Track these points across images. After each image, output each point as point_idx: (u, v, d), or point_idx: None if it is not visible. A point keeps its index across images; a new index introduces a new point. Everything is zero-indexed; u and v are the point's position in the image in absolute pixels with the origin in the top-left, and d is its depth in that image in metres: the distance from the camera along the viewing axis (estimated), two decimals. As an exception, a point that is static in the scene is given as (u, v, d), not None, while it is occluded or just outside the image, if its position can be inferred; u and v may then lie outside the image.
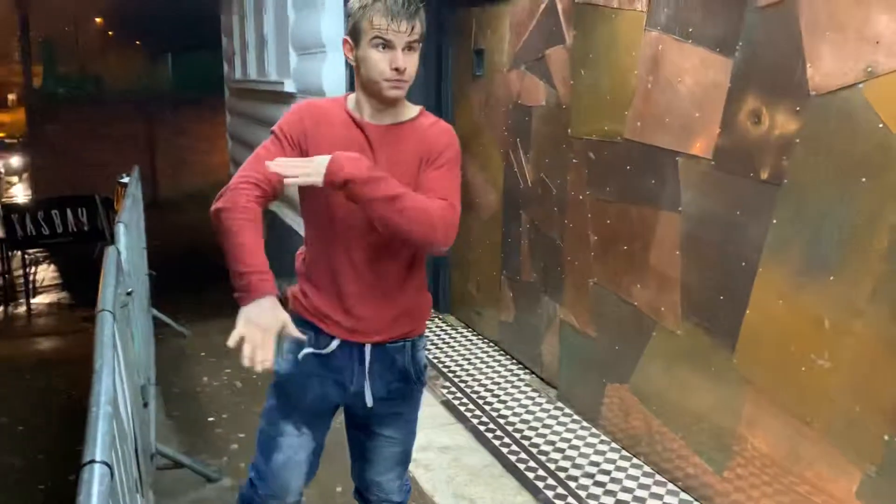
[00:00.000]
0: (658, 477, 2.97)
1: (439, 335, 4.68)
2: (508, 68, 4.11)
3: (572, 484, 2.93)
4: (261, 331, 1.52)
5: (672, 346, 2.87)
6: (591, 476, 2.99)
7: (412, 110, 1.78)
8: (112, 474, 0.98)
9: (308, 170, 1.57)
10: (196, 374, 4.08)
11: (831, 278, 2.21)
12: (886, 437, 2.07)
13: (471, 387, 3.88)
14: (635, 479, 2.96)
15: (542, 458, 3.13)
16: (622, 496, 2.84)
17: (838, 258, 2.19)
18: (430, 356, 4.31)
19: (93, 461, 0.97)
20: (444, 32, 4.76)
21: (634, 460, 3.10)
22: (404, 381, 1.85)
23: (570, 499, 2.84)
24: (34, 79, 18.48)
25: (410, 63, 1.66)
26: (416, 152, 1.72)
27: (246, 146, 7.58)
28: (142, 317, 3.34)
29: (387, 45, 1.63)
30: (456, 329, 4.80)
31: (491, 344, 4.49)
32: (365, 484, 1.98)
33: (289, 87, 5.45)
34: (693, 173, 2.72)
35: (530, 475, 3.00)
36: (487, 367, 4.16)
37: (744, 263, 2.51)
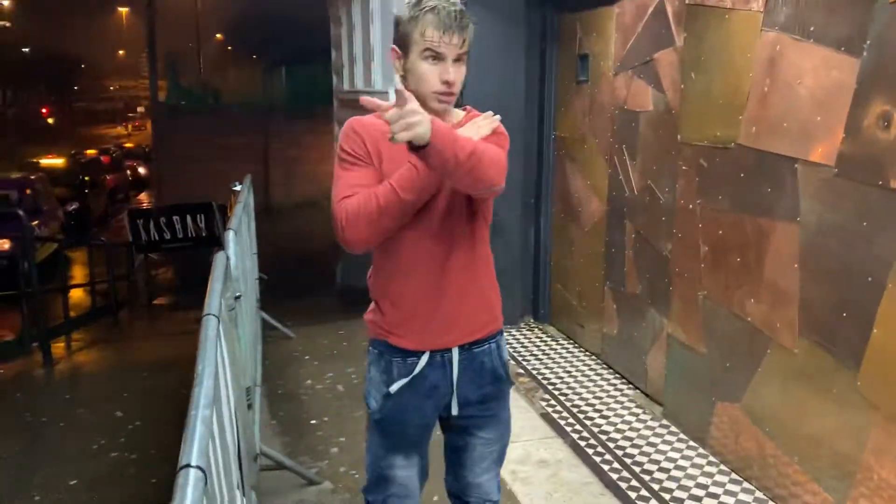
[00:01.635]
0: (771, 503, 2.79)
1: (539, 346, 4.61)
2: (615, 73, 4.00)
3: (677, 506, 2.80)
4: None
5: (788, 366, 2.69)
6: (699, 499, 2.85)
7: (457, 115, 1.78)
8: (206, 479, 0.99)
9: (415, 119, 1.42)
10: (300, 377, 4.19)
11: (974, 296, 2.01)
12: None
13: (571, 400, 3.79)
14: (746, 504, 2.80)
15: (646, 477, 3.01)
16: None
17: (982, 274, 1.99)
18: (531, 367, 4.25)
19: (188, 465, 0.98)
20: (547, 37, 4.70)
21: (745, 484, 2.92)
22: (496, 382, 1.84)
23: (674, 522, 2.72)
24: (159, 92, 19.65)
25: (459, 75, 1.65)
26: None
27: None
28: (250, 319, 3.45)
29: (437, 57, 1.61)
30: (556, 340, 4.71)
31: (593, 357, 4.38)
32: (463, 487, 1.94)
33: (393, 96, 5.53)
34: (813, 181, 2.54)
35: (632, 495, 2.89)
36: (589, 380, 4.05)
37: (870, 278, 2.32)
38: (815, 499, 2.60)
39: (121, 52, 44.96)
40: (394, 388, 1.75)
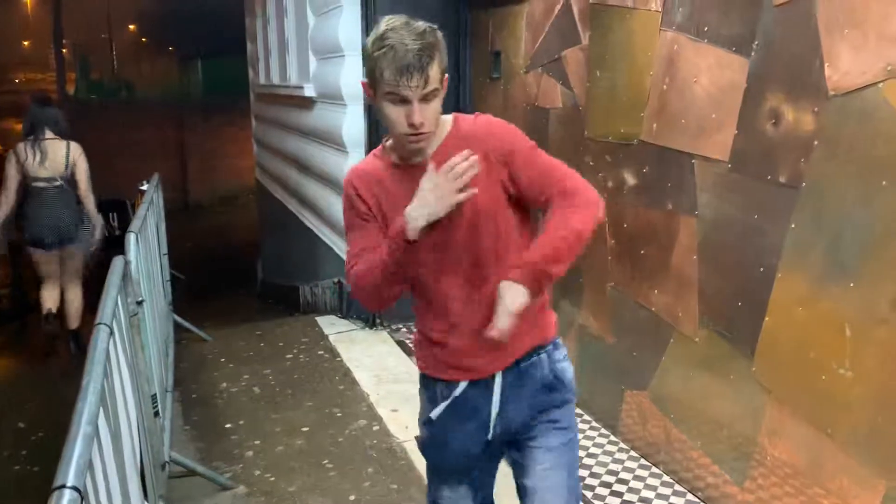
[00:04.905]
0: (677, 487, 2.90)
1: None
2: (526, 70, 4.05)
3: (588, 493, 2.88)
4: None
5: (690, 353, 2.80)
6: (609, 485, 2.93)
7: (446, 123, 1.66)
8: (83, 499, 0.96)
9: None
10: (215, 380, 4.10)
11: (852, 284, 2.13)
12: (910, 451, 1.99)
13: (489, 392, 3.84)
14: (653, 488, 2.90)
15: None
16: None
17: (859, 263, 2.11)
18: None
19: (63, 486, 0.95)
20: (461, 34, 4.72)
21: (653, 469, 3.03)
22: (550, 392, 1.73)
23: (586, 509, 2.79)
24: (68, 85, 18.85)
25: (429, 114, 1.53)
26: (480, 160, 1.55)
27: (270, 150, 7.64)
28: (159, 323, 3.36)
29: (402, 99, 1.51)
30: (476, 333, 4.76)
31: (511, 348, 4.44)
32: None
33: (308, 91, 5.46)
34: (709, 176, 2.65)
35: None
36: (507, 372, 4.11)
37: (762, 269, 2.44)
38: (717, 480, 2.72)
39: (25, 42, 42.80)
40: (434, 413, 1.70)
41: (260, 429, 3.48)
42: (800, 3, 2.25)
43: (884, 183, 2.02)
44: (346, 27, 4.71)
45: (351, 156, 4.85)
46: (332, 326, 4.92)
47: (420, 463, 3.13)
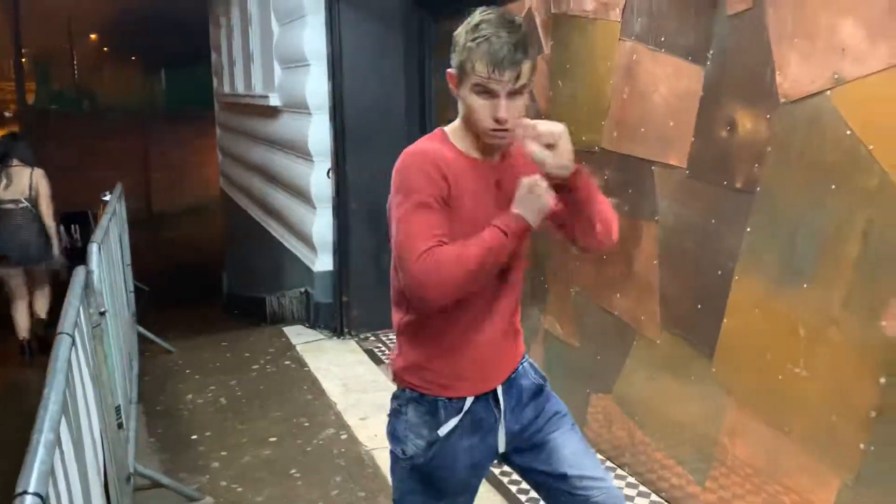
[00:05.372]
0: (642, 488, 2.94)
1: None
2: (490, 79, 4.10)
3: (555, 497, 2.91)
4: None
5: (653, 356, 2.85)
6: (575, 488, 2.96)
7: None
8: (45, 506, 0.96)
9: (563, 161, 1.49)
10: (181, 392, 4.06)
11: (805, 286, 2.19)
12: (863, 446, 2.05)
13: (457, 399, 3.86)
14: (619, 489, 2.93)
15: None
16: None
17: (811, 265, 2.18)
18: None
19: (25, 492, 0.95)
20: (426, 45, 4.77)
21: (619, 471, 3.07)
22: (540, 392, 1.77)
23: (553, 512, 2.81)
24: (28, 95, 18.52)
25: (514, 110, 1.52)
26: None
27: (235, 160, 7.59)
28: (122, 335, 3.32)
29: (488, 92, 1.50)
30: (444, 340, 4.78)
31: (479, 355, 4.47)
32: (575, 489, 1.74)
33: (274, 100, 5.45)
34: (668, 182, 2.71)
35: (513, 488, 2.98)
36: (474, 378, 4.14)
37: (720, 272, 2.50)
38: (680, 480, 2.77)
39: (-17, 51, 41.93)
40: (443, 430, 1.63)
41: (226, 440, 3.46)
42: (752, 13, 2.33)
43: (833, 187, 2.09)
44: (311, 37, 4.72)
45: (316, 164, 4.85)
46: (300, 336, 4.90)
47: (387, 469, 3.14)
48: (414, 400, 1.67)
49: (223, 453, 3.32)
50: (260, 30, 6.03)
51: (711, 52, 2.49)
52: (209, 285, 8.53)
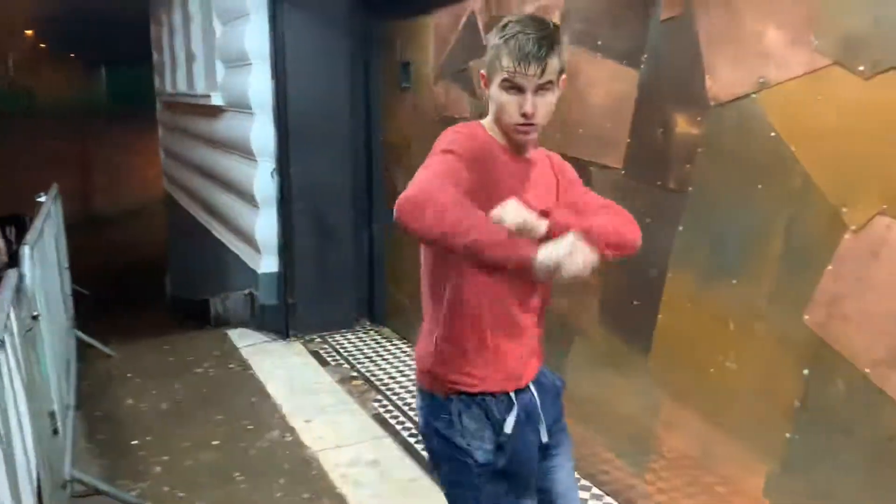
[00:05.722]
0: (584, 482, 3.00)
1: (374, 347, 4.67)
2: (434, 80, 4.13)
3: (499, 493, 2.94)
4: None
5: (592, 351, 2.92)
6: (519, 484, 3.01)
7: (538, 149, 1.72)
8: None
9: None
10: (121, 397, 3.98)
11: (734, 282, 2.28)
12: (788, 435, 2.14)
13: (403, 399, 3.87)
14: (561, 484, 2.99)
15: (471, 467, 3.14)
16: (548, 503, 2.86)
17: (739, 262, 2.26)
18: (364, 369, 4.29)
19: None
20: (369, 45, 4.77)
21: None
22: (559, 397, 1.81)
23: (496, 508, 2.85)
24: (-41, 94, 17.85)
25: (542, 105, 1.54)
26: (553, 178, 1.70)
27: (178, 160, 7.46)
28: (57, 339, 3.24)
29: (516, 87, 1.53)
30: (391, 341, 4.78)
31: (425, 355, 4.48)
32: None
33: (216, 99, 5.38)
34: (606, 182, 2.77)
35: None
36: (421, 378, 4.15)
37: (655, 269, 2.57)
38: (621, 473, 2.83)
39: (-89, 48, 40.21)
40: (508, 426, 1.64)
41: (168, 444, 3.40)
42: (683, 18, 2.40)
43: (759, 186, 2.18)
44: (253, 36, 4.67)
45: (260, 165, 4.81)
46: (244, 339, 4.85)
47: (333, 471, 3.14)
48: (464, 406, 1.65)
49: (165, 458, 3.27)
50: (202, 29, 5.95)
51: (645, 56, 2.56)
52: (152, 288, 8.35)
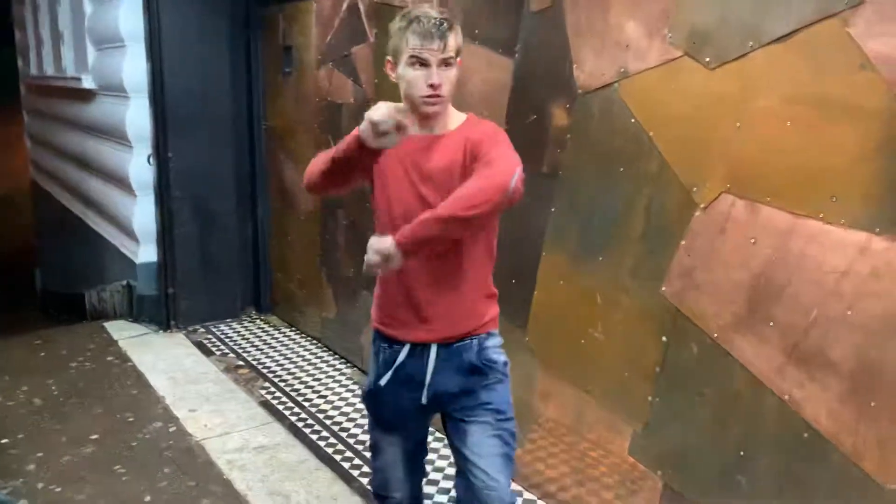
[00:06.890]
0: (468, 455, 3.12)
1: (261, 336, 4.63)
2: (317, 66, 4.13)
3: (387, 470, 3.02)
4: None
5: (474, 331, 3.03)
6: (406, 460, 3.09)
7: (457, 119, 1.88)
8: None
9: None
10: (-12, 395, 3.77)
11: (601, 258, 2.44)
12: (650, 398, 2.33)
13: (291, 385, 3.88)
14: (446, 457, 3.10)
15: (360, 447, 3.20)
16: (434, 475, 2.97)
17: (605, 240, 2.43)
18: (251, 358, 4.26)
19: None
20: (251, 27, 4.70)
21: (446, 441, 3.23)
22: (474, 374, 1.91)
23: (384, 484, 2.93)
24: None
25: (446, 78, 1.76)
26: (461, 155, 1.80)
27: (47, 147, 7.06)
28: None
29: (422, 63, 1.74)
30: (278, 329, 4.76)
31: (314, 341, 4.50)
32: (470, 484, 1.90)
33: (87, 83, 5.14)
34: (484, 166, 2.88)
35: (346, 465, 3.06)
36: (309, 363, 4.17)
37: (532, 249, 2.71)
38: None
39: None
40: (383, 381, 1.91)
41: (42, 441, 3.27)
42: (552, 10, 2.54)
43: (621, 169, 2.34)
44: (127, 16, 4.50)
45: (136, 150, 4.64)
46: (123, 331, 4.69)
47: (219, 458, 3.13)
48: (372, 341, 1.98)
49: (39, 455, 3.14)
50: (70, 7, 5.64)
51: (519, 45, 2.69)
52: (20, 284, 7.87)
